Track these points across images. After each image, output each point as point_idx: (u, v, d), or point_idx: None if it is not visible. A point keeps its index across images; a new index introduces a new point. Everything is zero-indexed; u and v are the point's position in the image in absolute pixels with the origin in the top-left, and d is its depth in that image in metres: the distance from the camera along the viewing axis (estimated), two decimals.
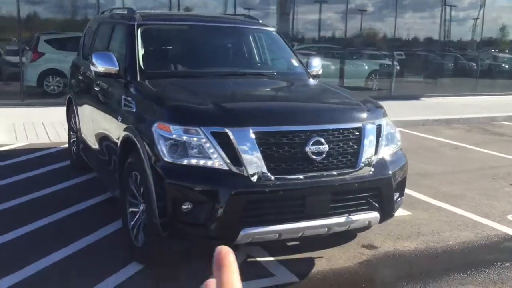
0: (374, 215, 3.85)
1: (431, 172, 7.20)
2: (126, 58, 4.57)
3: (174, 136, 3.50)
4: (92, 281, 3.68)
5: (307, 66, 5.28)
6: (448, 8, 17.66)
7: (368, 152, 3.84)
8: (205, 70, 4.82)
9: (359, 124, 3.86)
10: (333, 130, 3.72)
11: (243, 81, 4.70)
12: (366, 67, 17.05)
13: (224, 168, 3.45)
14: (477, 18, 18.22)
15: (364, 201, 3.80)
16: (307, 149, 3.58)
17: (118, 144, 4.20)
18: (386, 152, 4.03)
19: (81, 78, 5.97)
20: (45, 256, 4.05)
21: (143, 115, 3.91)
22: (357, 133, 3.83)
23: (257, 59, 5.34)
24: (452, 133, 10.52)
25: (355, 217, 3.76)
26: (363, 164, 3.80)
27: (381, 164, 3.92)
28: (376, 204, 3.83)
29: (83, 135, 5.87)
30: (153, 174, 3.55)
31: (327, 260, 4.21)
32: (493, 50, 19.94)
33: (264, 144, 3.50)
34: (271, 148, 3.52)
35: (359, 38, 17.49)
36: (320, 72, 5.35)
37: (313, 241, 4.41)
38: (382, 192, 3.87)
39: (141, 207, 3.85)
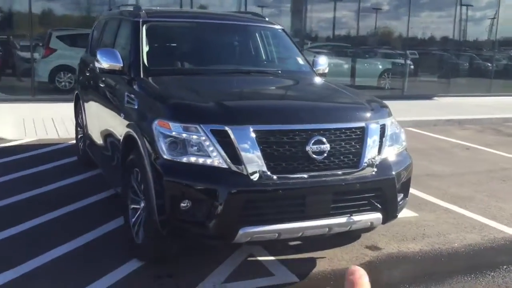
0: (377, 216, 3.79)
1: (441, 173, 7.11)
2: (130, 55, 4.56)
3: (173, 133, 3.48)
4: (92, 277, 3.67)
5: (313, 64, 5.23)
6: (463, 8, 17.45)
7: (371, 152, 3.78)
8: (209, 68, 4.79)
9: (362, 124, 3.80)
10: (335, 129, 3.67)
11: (247, 79, 4.66)
12: (379, 66, 16.91)
13: (223, 166, 3.42)
14: (493, 18, 17.98)
15: (366, 201, 3.74)
16: (308, 148, 3.53)
17: (121, 141, 4.19)
18: (390, 152, 3.97)
19: (88, 74, 5.98)
20: (47, 251, 4.05)
21: (145, 112, 3.89)
22: (360, 133, 3.77)
23: (262, 57, 5.29)
24: (464, 133, 10.39)
25: (356, 217, 3.70)
26: (365, 164, 3.74)
27: (385, 165, 3.86)
28: (378, 205, 3.77)
29: (89, 131, 5.89)
30: (152, 171, 3.53)
31: (329, 261, 4.16)
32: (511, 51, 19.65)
33: (264, 142, 3.46)
34: (271, 147, 3.48)
35: (372, 36, 17.35)
36: (326, 71, 5.30)
37: (316, 241, 4.36)
38: (385, 193, 3.81)
39: (142, 204, 3.84)
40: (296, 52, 5.36)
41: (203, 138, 3.43)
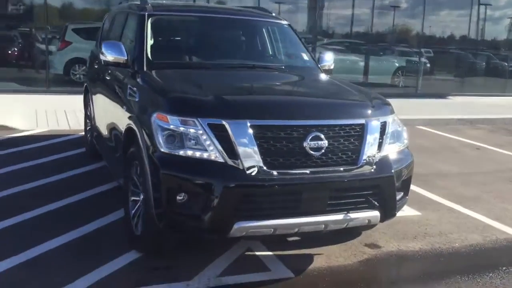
0: (374, 214, 3.77)
1: (448, 173, 7.05)
2: (134, 48, 4.60)
3: (171, 126, 3.50)
4: (89, 267, 3.72)
5: (319, 60, 5.22)
6: (481, 7, 17.22)
7: (370, 150, 3.76)
8: (212, 62, 4.80)
9: (361, 121, 3.78)
10: (334, 125, 3.66)
11: (250, 74, 4.67)
12: (393, 64, 16.78)
13: (219, 160, 3.43)
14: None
15: (364, 199, 3.73)
16: (305, 144, 3.53)
17: (123, 133, 4.24)
18: (390, 150, 3.94)
19: (96, 67, 6.04)
20: (46, 241, 4.11)
21: (145, 105, 3.93)
22: (360, 130, 3.76)
23: (267, 52, 5.29)
24: (476, 133, 10.28)
25: (353, 215, 3.70)
26: (364, 162, 3.72)
27: (384, 162, 3.84)
28: (376, 203, 3.75)
29: (96, 123, 5.96)
30: (150, 164, 3.56)
31: (326, 257, 4.16)
32: None
33: (261, 137, 3.46)
34: (268, 142, 3.48)
35: (386, 34, 17.23)
36: (332, 67, 5.28)
37: (315, 238, 4.36)
38: (383, 191, 3.79)
39: (142, 196, 3.88)
40: (301, 48, 5.34)
41: (200, 132, 3.45)
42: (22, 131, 7.94)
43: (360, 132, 3.75)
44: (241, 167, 3.42)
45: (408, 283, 3.81)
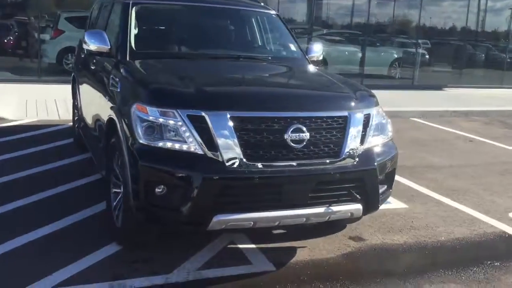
0: (357, 207, 3.73)
1: (439, 165, 7.01)
2: (118, 37, 4.54)
3: (150, 117, 3.44)
4: (69, 259, 3.67)
5: (307, 51, 5.14)
6: None
7: (353, 142, 3.71)
8: (197, 52, 4.74)
9: (344, 113, 3.73)
10: (316, 117, 3.60)
11: (234, 65, 4.60)
12: (389, 55, 16.69)
13: (199, 152, 3.38)
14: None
15: (346, 192, 3.68)
16: (286, 136, 3.47)
17: (105, 124, 4.18)
18: (374, 143, 3.89)
19: (82, 56, 5.97)
20: (27, 232, 4.07)
21: (126, 95, 3.87)
22: (342, 122, 3.70)
23: (254, 43, 5.22)
24: (470, 125, 10.23)
25: (335, 208, 3.65)
26: (347, 154, 3.67)
27: (367, 155, 3.79)
28: (358, 196, 3.70)
29: (82, 114, 5.90)
30: (129, 155, 3.51)
31: (309, 250, 4.12)
32: None
33: (242, 129, 3.41)
34: (249, 134, 3.42)
35: (384, 25, 17.12)
36: (320, 58, 5.22)
37: (299, 230, 4.33)
38: (366, 183, 3.75)
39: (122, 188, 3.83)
40: (289, 38, 5.27)
41: (180, 123, 3.40)
42: (11, 121, 7.87)
43: (343, 124, 3.69)
44: (220, 159, 3.37)
45: (390, 277, 3.77)
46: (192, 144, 3.39)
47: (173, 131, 3.41)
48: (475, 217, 5.12)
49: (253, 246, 4.13)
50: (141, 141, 3.44)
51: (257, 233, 4.24)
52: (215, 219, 3.36)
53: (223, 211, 3.39)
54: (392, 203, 5.26)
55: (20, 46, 14.21)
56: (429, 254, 4.24)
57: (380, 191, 3.89)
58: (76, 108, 6.52)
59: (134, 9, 4.67)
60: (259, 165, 3.43)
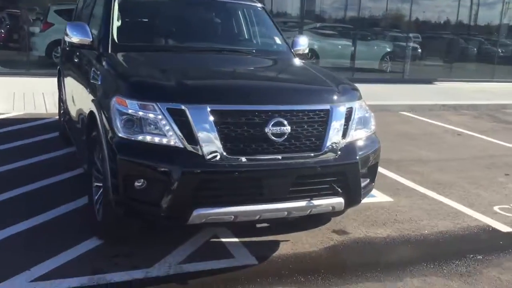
0: (338, 200, 3.71)
1: (426, 159, 7.02)
2: (100, 29, 4.49)
3: (130, 111, 3.41)
4: (49, 253, 3.65)
5: (292, 44, 5.11)
6: None
7: (335, 136, 3.69)
8: (180, 45, 4.69)
9: (326, 106, 3.71)
10: (297, 111, 3.58)
11: (217, 58, 4.56)
12: (380, 49, 16.67)
13: (179, 146, 3.35)
14: (508, 2, 17.60)
15: (327, 186, 3.66)
16: (267, 129, 3.45)
17: (86, 117, 4.15)
18: (356, 137, 3.88)
19: (67, 49, 5.91)
20: (8, 226, 4.04)
21: (106, 88, 3.83)
22: (324, 116, 3.68)
23: (238, 36, 5.18)
24: (458, 119, 10.25)
25: (317, 202, 3.64)
26: (328, 148, 3.65)
27: (349, 149, 3.78)
28: (340, 190, 3.69)
29: (67, 107, 5.85)
30: (108, 149, 3.48)
31: (292, 244, 4.11)
32: None
33: (222, 123, 3.38)
34: (229, 127, 3.40)
35: (375, 19, 17.09)
36: (306, 51, 5.19)
37: (283, 224, 4.32)
38: (348, 177, 3.73)
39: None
40: (274, 31, 5.24)
41: (160, 116, 3.37)
42: None
43: (325, 118, 3.68)
44: (200, 153, 3.35)
45: (372, 270, 3.76)
46: (172, 137, 3.36)
47: (153, 125, 3.38)
48: (460, 210, 5.13)
49: (236, 240, 4.12)
50: (120, 135, 3.41)
51: (241, 227, 4.23)
52: (195, 213, 3.35)
53: (203, 205, 3.37)
54: (377, 197, 5.27)
55: (12, 39, 14.09)
56: (412, 248, 4.24)
57: (362, 184, 3.88)
58: (62, 101, 6.47)
59: (117, 1, 4.62)
60: (240, 158, 3.41)
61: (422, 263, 3.94)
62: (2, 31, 14.29)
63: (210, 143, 3.35)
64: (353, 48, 15.45)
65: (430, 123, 9.63)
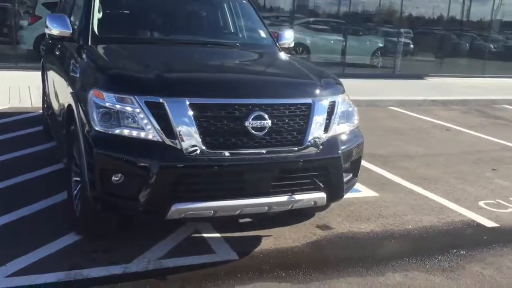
0: (320, 195, 3.67)
1: (413, 154, 6.99)
2: (80, 21, 4.42)
3: (107, 104, 3.35)
4: (27, 248, 3.60)
5: (278, 38, 5.06)
6: None
7: (317, 130, 3.64)
8: (163, 37, 4.63)
9: (308, 100, 3.66)
10: (278, 105, 3.53)
11: (200, 51, 4.50)
12: (372, 44, 16.62)
13: (157, 140, 3.30)
14: None
15: (309, 180, 3.62)
16: (247, 123, 3.40)
17: (65, 111, 4.08)
18: (339, 131, 3.83)
19: (50, 42, 5.82)
20: None
21: (84, 81, 3.77)
22: (306, 109, 3.63)
23: (222, 28, 5.12)
24: (448, 114, 10.24)
25: (298, 196, 3.60)
26: (310, 142, 3.61)
27: (331, 143, 3.73)
28: (322, 185, 3.65)
29: (50, 100, 5.77)
30: (85, 143, 3.42)
31: (274, 239, 4.07)
32: None
33: (201, 116, 3.33)
34: (208, 121, 3.35)
35: (367, 14, 17.05)
36: (292, 45, 5.14)
37: (266, 219, 4.28)
38: (330, 172, 3.69)
39: None
40: (259, 24, 5.18)
41: (138, 110, 3.31)
42: None
43: (307, 112, 3.63)
44: (179, 147, 3.30)
45: (353, 265, 3.73)
46: (150, 131, 3.30)
47: (131, 118, 3.33)
48: (445, 205, 5.11)
49: (218, 235, 4.08)
50: (97, 128, 3.35)
51: (223, 222, 4.19)
52: (174, 208, 3.30)
53: (182, 199, 3.32)
54: (362, 192, 5.24)
55: (1, 33, 13.92)
56: (395, 243, 4.22)
57: (345, 179, 3.84)
58: (45, 94, 6.39)
59: None
60: (219, 153, 3.36)
61: (405, 258, 3.91)
62: None
63: (189, 137, 3.30)
64: (344, 43, 15.39)
65: (418, 118, 9.61)
